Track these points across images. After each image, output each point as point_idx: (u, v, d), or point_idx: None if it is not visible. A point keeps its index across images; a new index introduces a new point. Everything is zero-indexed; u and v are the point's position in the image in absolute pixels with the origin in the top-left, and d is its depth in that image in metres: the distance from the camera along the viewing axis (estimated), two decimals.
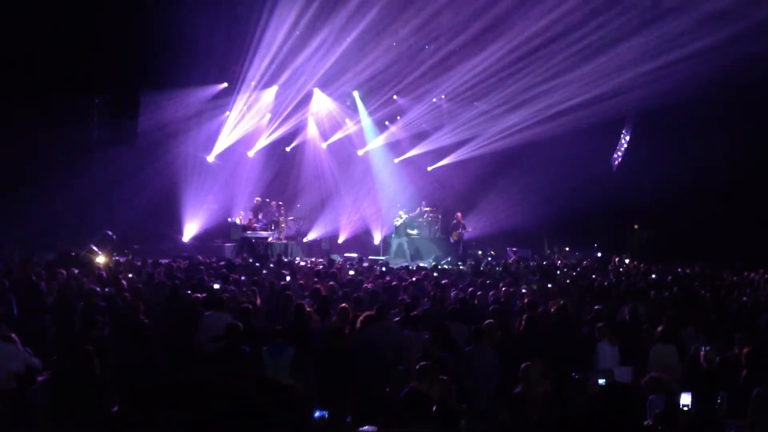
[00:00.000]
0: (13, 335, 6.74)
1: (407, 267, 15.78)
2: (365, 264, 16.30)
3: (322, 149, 23.29)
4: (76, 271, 11.94)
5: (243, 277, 12.56)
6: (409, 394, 5.36)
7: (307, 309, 8.72)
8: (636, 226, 24.37)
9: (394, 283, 11.99)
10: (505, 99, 21.36)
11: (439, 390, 5.43)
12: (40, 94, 15.92)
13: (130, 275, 12.32)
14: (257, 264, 15.61)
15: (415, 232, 21.86)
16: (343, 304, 8.63)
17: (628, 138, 23.57)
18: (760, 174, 20.62)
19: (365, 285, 11.58)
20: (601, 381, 5.70)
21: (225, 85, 20.50)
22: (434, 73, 21.01)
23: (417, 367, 5.69)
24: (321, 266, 15.04)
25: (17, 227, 15.68)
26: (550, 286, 12.58)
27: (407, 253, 20.85)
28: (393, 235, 21.46)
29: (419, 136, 23.42)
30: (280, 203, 21.28)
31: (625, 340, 7.79)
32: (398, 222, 21.15)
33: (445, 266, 17.82)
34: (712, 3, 16.73)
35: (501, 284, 11.95)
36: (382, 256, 20.78)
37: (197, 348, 8.05)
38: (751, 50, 16.95)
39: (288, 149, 23.03)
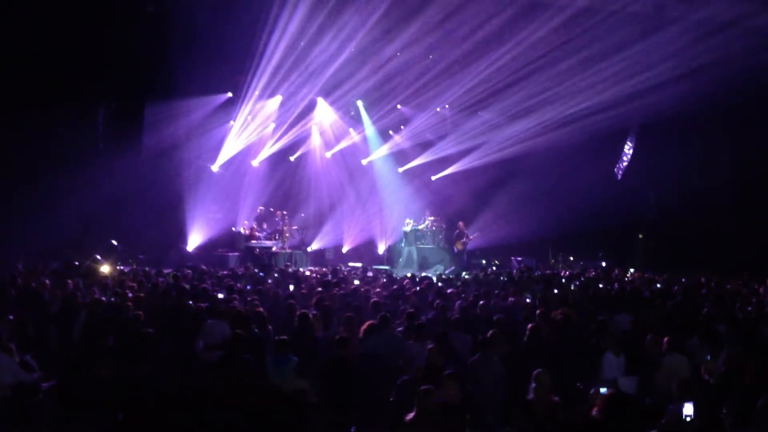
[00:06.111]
0: (12, 345, 6.72)
1: (412, 276, 15.71)
2: (370, 273, 16.27)
3: (326, 158, 23.31)
4: (81, 280, 11.96)
5: (248, 287, 12.56)
6: (419, 393, 5.35)
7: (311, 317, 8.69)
8: (640, 236, 24.27)
9: (399, 292, 11.96)
10: (509, 108, 21.39)
11: (451, 392, 5.47)
12: (45, 104, 16.00)
13: (135, 285, 12.31)
14: (261, 273, 15.61)
15: (423, 240, 21.81)
16: (349, 314, 8.59)
17: (632, 147, 23.56)
18: (764, 183, 20.55)
19: (370, 295, 11.54)
20: (603, 390, 5.68)
21: (229, 94, 20.63)
22: (438, 83, 21.05)
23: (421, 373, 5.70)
24: (326, 276, 15.02)
25: (22, 236, 15.71)
26: (556, 291, 12.55)
27: (416, 262, 20.78)
28: (403, 243, 21.37)
29: (423, 146, 23.43)
30: (284, 213, 21.27)
31: (628, 350, 7.74)
32: (407, 229, 21.06)
33: (450, 276, 17.77)
34: (716, 13, 16.76)
35: (506, 294, 11.93)
36: (386, 265, 20.71)
37: (199, 357, 8.05)
38: (754, 60, 16.96)
39: (292, 158, 23.02)
